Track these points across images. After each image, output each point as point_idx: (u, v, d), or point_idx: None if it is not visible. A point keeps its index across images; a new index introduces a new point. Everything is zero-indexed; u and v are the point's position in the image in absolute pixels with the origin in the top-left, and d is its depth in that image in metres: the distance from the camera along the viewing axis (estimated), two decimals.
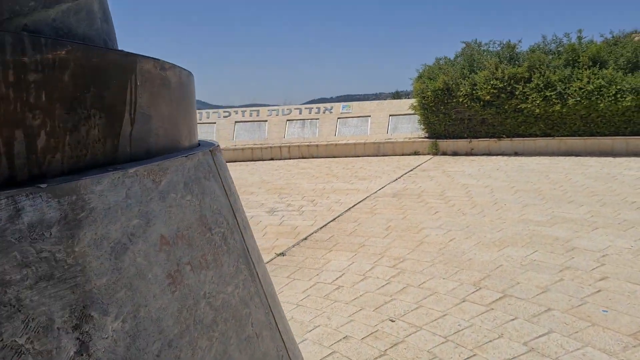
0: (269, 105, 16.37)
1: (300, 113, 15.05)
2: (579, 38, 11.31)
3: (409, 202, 6.59)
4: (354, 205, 6.57)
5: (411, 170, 9.85)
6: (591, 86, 10.07)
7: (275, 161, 13.17)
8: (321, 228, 5.47)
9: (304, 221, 5.83)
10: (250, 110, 15.54)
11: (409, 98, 17.39)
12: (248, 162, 13.19)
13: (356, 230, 5.27)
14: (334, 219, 5.85)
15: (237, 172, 10.85)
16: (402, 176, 9.07)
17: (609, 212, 5.39)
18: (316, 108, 15.14)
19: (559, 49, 11.60)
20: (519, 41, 12.12)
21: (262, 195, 7.77)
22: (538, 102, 10.74)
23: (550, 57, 11.24)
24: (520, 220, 5.25)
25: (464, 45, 13.17)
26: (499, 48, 12.38)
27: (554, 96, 10.59)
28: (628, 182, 7.16)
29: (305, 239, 5.08)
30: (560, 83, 10.54)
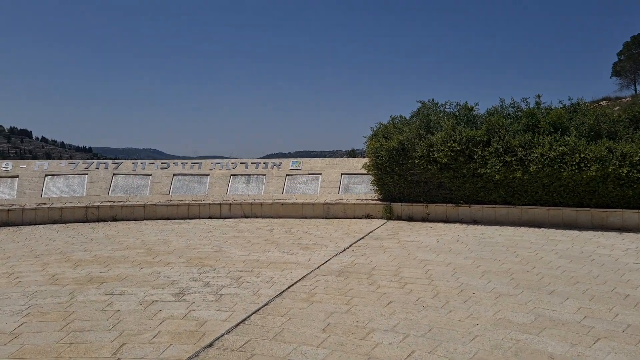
0: (226, 158, 15.00)
1: (246, 168, 13.79)
2: (537, 103, 10.91)
3: (356, 285, 5.30)
4: (288, 288, 5.21)
5: (362, 237, 8.65)
6: (553, 153, 9.46)
7: (213, 220, 11.66)
8: (237, 325, 4.04)
9: (218, 312, 4.39)
10: (192, 163, 14.14)
11: (364, 157, 16.64)
12: (182, 221, 11.61)
13: (283, 332, 3.88)
14: (259, 310, 4.45)
15: (163, 235, 9.26)
16: (351, 245, 7.84)
17: (604, 310, 4.31)
18: (264, 163, 13.95)
19: (517, 113, 11.14)
20: (476, 104, 11.64)
21: (179, 267, 6.26)
22: (498, 167, 10.01)
23: (509, 121, 10.70)
24: (497, 322, 4.05)
25: (420, 104, 12.57)
26: (455, 109, 11.84)
27: (514, 162, 9.91)
28: (608, 265, 6.23)
29: (211, 345, 3.64)
30: (520, 148, 9.91)
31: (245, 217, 12.16)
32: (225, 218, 12.01)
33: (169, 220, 11.61)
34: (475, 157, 10.33)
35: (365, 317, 4.20)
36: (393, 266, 6.25)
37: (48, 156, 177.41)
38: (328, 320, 4.13)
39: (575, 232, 9.06)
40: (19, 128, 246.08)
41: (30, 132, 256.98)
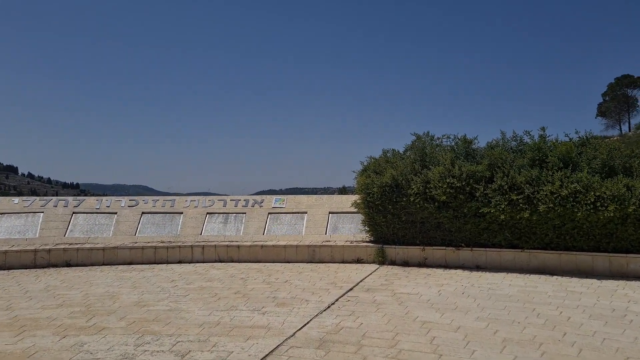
0: (218, 195, 13.65)
1: (224, 205, 12.51)
2: (542, 137, 9.89)
3: None
4: None
5: (351, 289, 7.36)
6: (565, 191, 8.38)
7: (182, 265, 10.29)
8: None
9: None
10: (164, 200, 12.83)
11: (354, 194, 15.48)
12: (146, 266, 10.21)
13: None
14: None
15: (115, 285, 7.88)
16: (338, 300, 6.53)
17: None
18: (244, 200, 12.67)
19: (520, 147, 10.13)
20: (475, 137, 10.64)
21: (114, 335, 4.90)
22: (503, 206, 8.88)
23: (513, 155, 9.67)
24: None
25: (414, 137, 11.52)
26: (453, 143, 10.82)
27: (521, 200, 8.79)
28: None
29: None
30: (527, 185, 8.81)
31: (220, 261, 10.79)
32: (197, 263, 10.64)
33: (131, 266, 10.20)
34: (477, 194, 9.20)
35: None
36: (388, 332, 4.95)
37: (33, 192, 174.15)
38: None
39: (595, 282, 7.85)
40: (4, 164, 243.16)
41: (16, 168, 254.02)
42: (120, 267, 10.12)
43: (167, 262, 10.66)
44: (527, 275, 8.58)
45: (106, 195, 13.47)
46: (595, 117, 73.85)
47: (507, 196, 8.92)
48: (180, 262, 10.70)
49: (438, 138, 11.15)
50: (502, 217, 8.95)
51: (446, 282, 7.97)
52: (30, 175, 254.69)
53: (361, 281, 8.04)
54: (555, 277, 8.37)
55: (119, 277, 8.63)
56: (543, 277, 8.38)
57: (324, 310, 5.94)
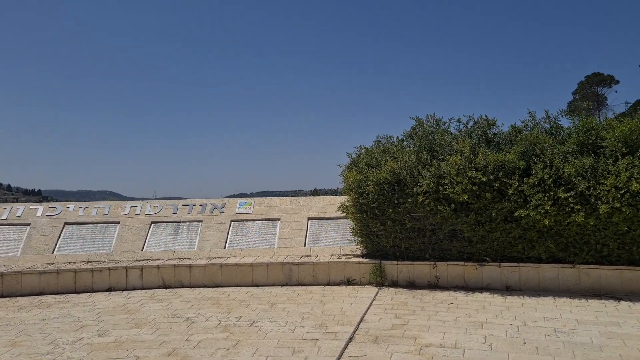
0: (184, 198, 10.75)
1: (174, 212, 9.75)
2: (587, 116, 7.61)
3: None
4: None
5: (351, 338, 4.82)
6: (636, 185, 6.10)
7: (110, 296, 7.52)
8: None
9: None
10: (96, 207, 9.97)
11: (335, 195, 12.95)
12: (61, 297, 7.42)
13: None
14: None
15: None
16: None
17: None
18: (200, 205, 9.92)
19: (554, 131, 7.80)
20: (494, 120, 8.27)
21: None
22: (547, 207, 6.53)
23: (551, 139, 7.34)
24: None
25: (414, 122, 9.04)
26: (463, 127, 8.43)
27: (572, 199, 6.48)
28: None
29: None
30: (580, 179, 6.51)
31: (165, 286, 8.06)
32: (133, 290, 7.88)
33: (39, 298, 7.37)
34: (510, 192, 6.83)
35: None
36: None
37: None
38: None
39: None
40: None
41: None
42: (23, 300, 7.29)
43: (93, 291, 7.86)
44: (585, 300, 6.29)
45: (69, 202, 10.47)
46: (565, 116, 74.00)
47: (551, 194, 6.60)
48: (110, 289, 7.92)
49: (445, 122, 8.73)
50: (546, 221, 6.60)
51: (482, 317, 5.54)
52: None
53: (362, 319, 5.51)
54: (625, 302, 6.11)
55: (5, 321, 5.82)
56: (608, 303, 6.09)
57: None
